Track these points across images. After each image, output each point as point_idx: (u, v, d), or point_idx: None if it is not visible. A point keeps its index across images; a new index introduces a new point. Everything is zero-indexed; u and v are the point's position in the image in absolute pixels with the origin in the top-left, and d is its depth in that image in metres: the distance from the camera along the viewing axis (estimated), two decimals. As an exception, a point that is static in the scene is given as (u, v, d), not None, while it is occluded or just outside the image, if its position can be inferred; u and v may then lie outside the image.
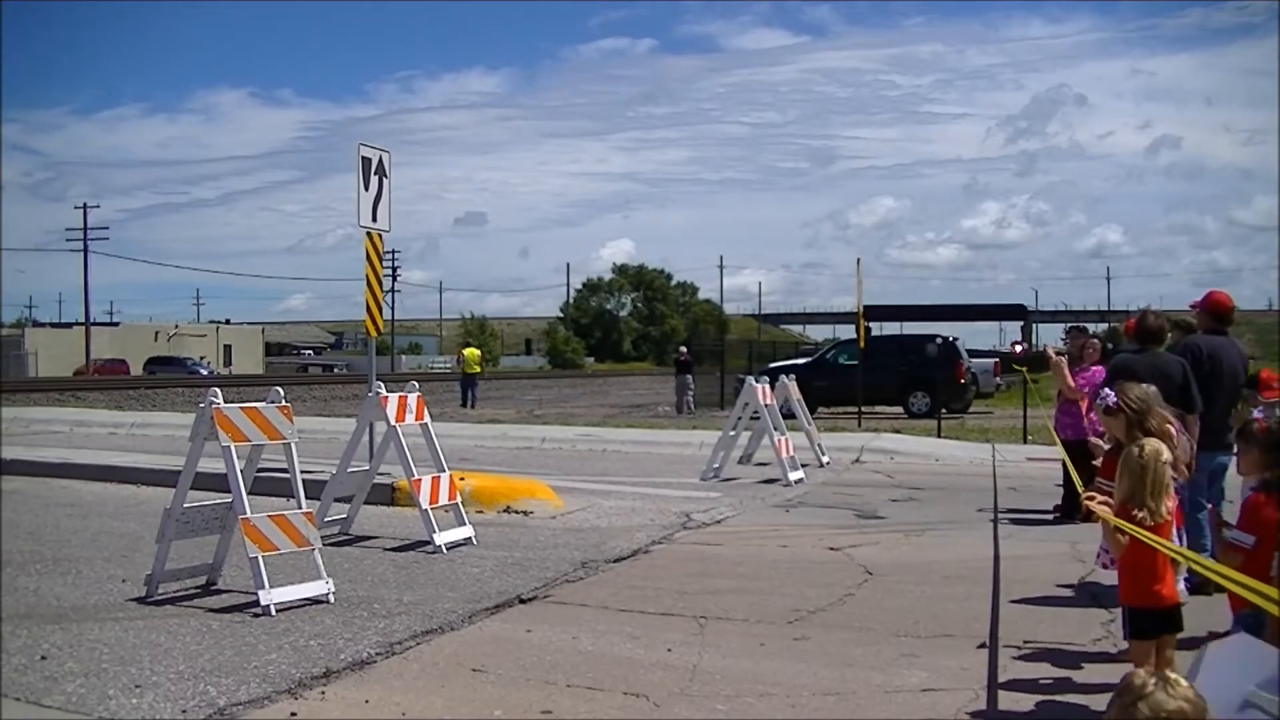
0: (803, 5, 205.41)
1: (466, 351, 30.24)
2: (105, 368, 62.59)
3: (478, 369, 28.82)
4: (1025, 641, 5.37)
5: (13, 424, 18.34)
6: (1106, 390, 4.63)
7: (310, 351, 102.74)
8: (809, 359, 27.91)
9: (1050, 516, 9.32)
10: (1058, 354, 9.53)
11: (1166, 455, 4.04)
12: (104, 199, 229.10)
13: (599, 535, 8.40)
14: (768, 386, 12.56)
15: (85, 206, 67.47)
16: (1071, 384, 9.04)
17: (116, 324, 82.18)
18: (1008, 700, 4.51)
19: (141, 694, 4.45)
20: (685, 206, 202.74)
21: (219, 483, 6.33)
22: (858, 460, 14.29)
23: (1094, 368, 9.11)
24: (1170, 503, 4.08)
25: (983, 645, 5.31)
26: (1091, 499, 4.24)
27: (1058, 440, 8.49)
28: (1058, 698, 4.58)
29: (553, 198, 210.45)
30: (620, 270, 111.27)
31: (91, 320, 69.35)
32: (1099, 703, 4.51)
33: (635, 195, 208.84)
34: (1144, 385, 4.62)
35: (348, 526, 8.49)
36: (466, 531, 8.04)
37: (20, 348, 66.62)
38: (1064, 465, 9.17)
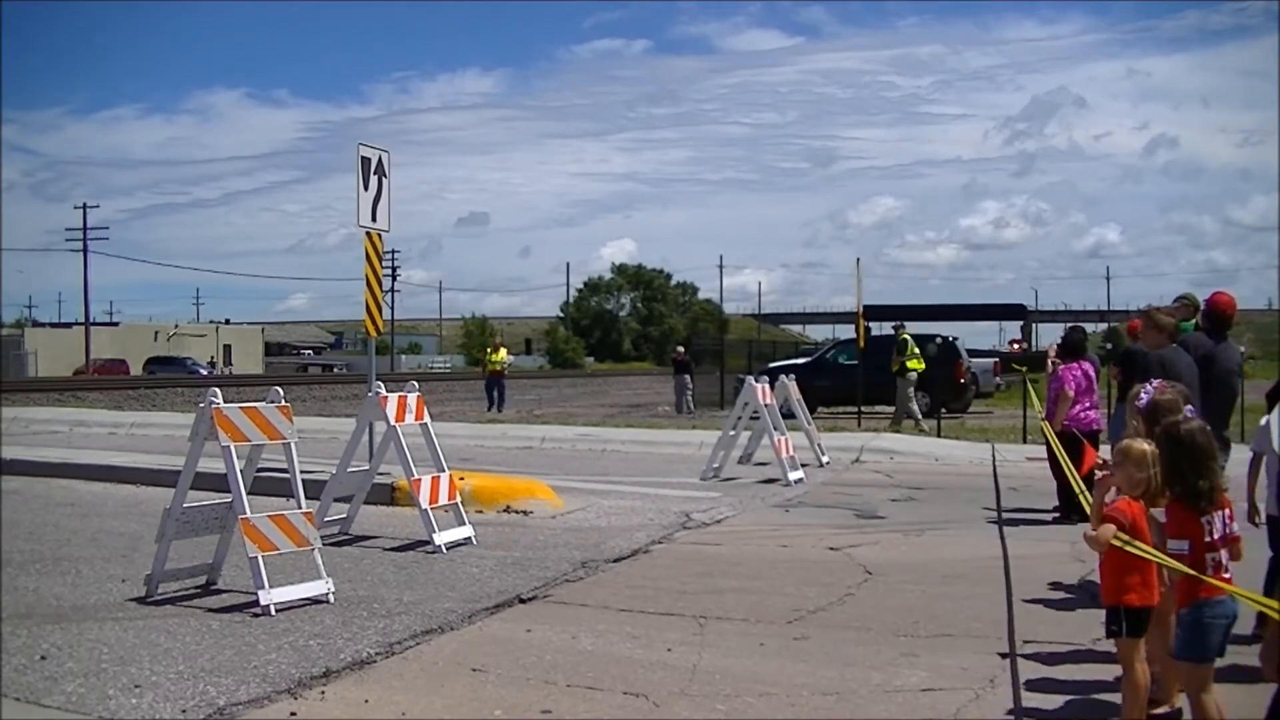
0: (796, 6, 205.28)
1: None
2: (105, 368, 62.59)
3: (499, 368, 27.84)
4: (1025, 641, 5.38)
5: (13, 424, 18.35)
6: (1150, 386, 4.63)
7: (310, 351, 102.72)
8: (809, 359, 27.88)
9: (1050, 517, 9.32)
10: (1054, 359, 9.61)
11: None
12: (104, 199, 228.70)
13: (599, 535, 8.40)
14: (767, 386, 12.56)
15: (85, 206, 67.59)
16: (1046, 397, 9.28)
17: (116, 324, 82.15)
18: (1009, 699, 4.52)
19: (141, 694, 4.45)
20: (685, 206, 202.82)
21: (219, 483, 6.33)
22: (857, 460, 14.29)
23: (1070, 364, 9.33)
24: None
25: (982, 649, 5.31)
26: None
27: (1052, 435, 8.48)
28: (1059, 697, 4.58)
29: (553, 198, 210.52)
30: (620, 270, 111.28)
31: (91, 320, 69.34)
32: (1100, 702, 4.52)
33: (636, 195, 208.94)
34: (1180, 389, 4.60)
35: (347, 526, 8.49)
36: (466, 531, 8.04)
37: (20, 348, 66.61)
38: (1054, 463, 9.16)
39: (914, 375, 19.42)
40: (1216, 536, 3.76)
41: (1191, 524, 3.74)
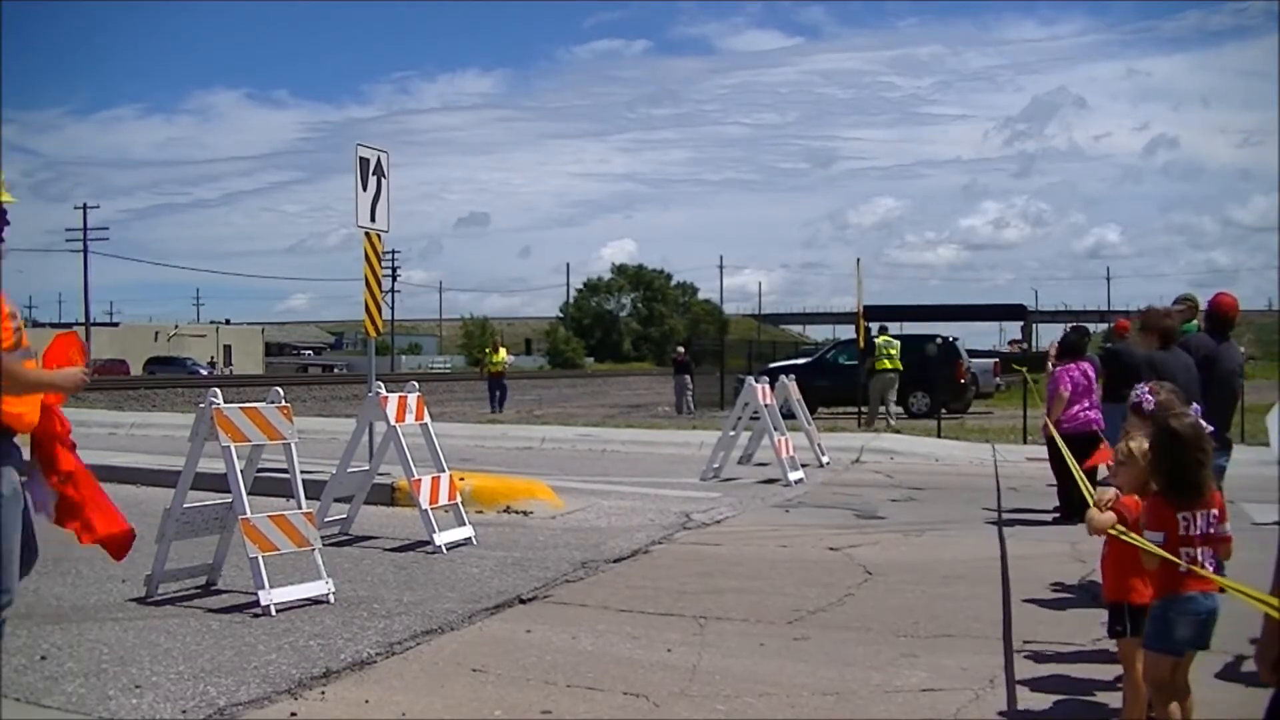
0: (796, 6, 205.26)
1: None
2: (105, 368, 62.56)
3: (499, 369, 27.16)
4: (1025, 641, 5.38)
5: (13, 424, 18.30)
6: (1143, 388, 4.62)
7: (310, 351, 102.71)
8: (809, 359, 27.88)
9: (1050, 517, 9.32)
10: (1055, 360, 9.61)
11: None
12: (104, 199, 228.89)
13: (599, 535, 8.40)
14: (767, 386, 12.56)
15: (85, 207, 67.59)
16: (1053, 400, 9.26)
17: (116, 324, 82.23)
18: (1008, 699, 4.52)
19: (141, 694, 4.45)
20: (685, 206, 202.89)
21: (219, 483, 6.33)
22: (858, 460, 14.29)
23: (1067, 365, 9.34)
24: None
25: (982, 649, 5.31)
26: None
27: (1057, 436, 8.47)
28: (1058, 697, 4.58)
29: (553, 198, 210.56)
30: (620, 270, 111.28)
31: (91, 320, 69.35)
32: (1099, 702, 4.52)
33: (636, 195, 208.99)
34: (1171, 388, 4.60)
35: (347, 526, 8.50)
36: (466, 531, 8.04)
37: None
38: (1055, 463, 9.14)
39: (891, 376, 19.62)
40: (1195, 533, 3.70)
41: (1168, 518, 3.72)
